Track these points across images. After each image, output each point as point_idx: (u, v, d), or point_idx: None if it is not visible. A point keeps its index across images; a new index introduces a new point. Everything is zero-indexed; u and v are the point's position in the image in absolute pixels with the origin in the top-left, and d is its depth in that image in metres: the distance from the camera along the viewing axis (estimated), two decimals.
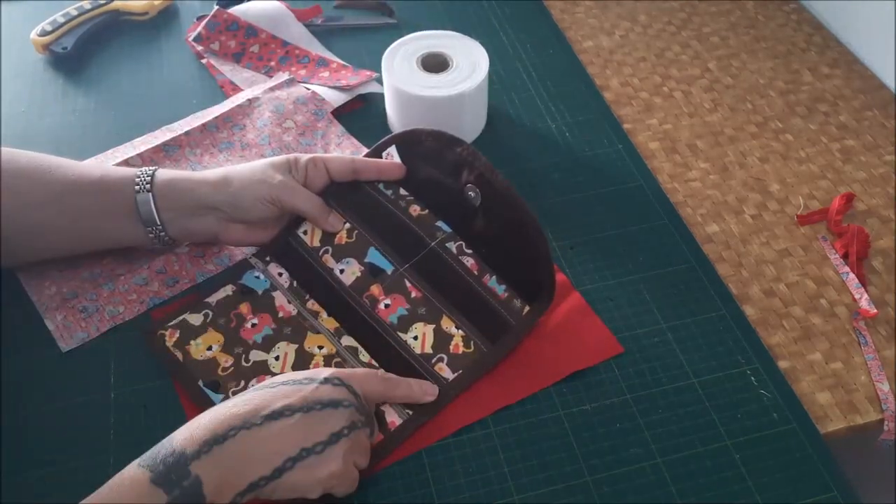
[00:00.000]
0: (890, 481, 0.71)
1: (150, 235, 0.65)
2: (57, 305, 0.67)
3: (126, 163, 0.75)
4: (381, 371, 0.60)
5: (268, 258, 0.68)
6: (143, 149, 0.77)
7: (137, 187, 0.64)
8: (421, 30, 0.83)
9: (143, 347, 0.65)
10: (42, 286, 0.68)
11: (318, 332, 0.64)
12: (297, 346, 0.63)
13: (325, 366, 0.62)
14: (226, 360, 0.62)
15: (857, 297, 0.69)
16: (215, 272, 0.70)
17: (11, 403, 0.61)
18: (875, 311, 0.67)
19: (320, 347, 0.63)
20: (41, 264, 0.69)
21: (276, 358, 0.63)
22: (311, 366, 0.62)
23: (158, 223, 0.64)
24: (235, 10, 0.92)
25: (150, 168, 0.65)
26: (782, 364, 0.64)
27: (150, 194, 0.63)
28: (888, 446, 0.62)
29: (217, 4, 0.93)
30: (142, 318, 0.67)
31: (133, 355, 0.64)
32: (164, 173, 0.65)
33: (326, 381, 0.53)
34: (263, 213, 0.66)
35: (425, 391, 0.60)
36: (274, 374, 0.61)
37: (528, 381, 0.62)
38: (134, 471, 0.48)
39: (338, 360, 0.62)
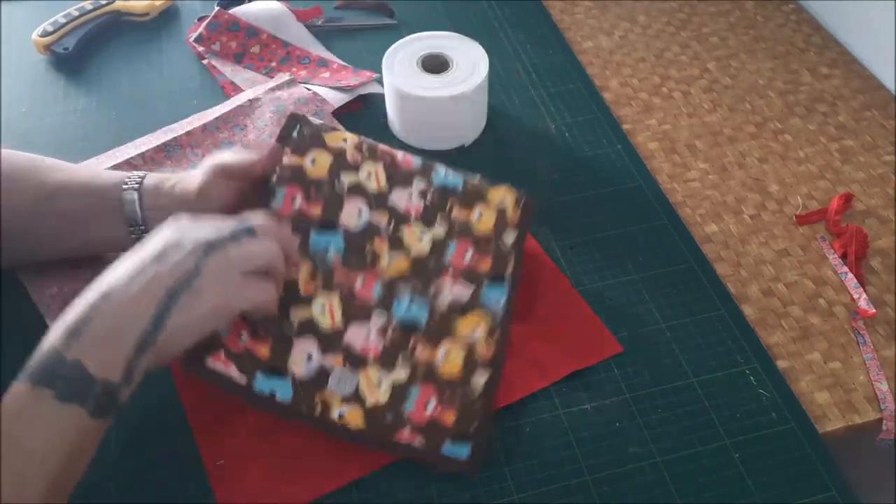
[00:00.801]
0: (888, 481, 0.71)
1: (133, 237, 0.63)
2: (58, 305, 0.67)
3: (128, 162, 0.76)
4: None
5: None
6: (144, 149, 0.77)
7: (126, 186, 0.63)
8: (421, 30, 0.83)
9: None
10: (43, 286, 0.68)
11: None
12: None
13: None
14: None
15: (855, 296, 0.69)
16: None
17: None
18: (874, 310, 0.67)
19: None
20: (42, 264, 0.69)
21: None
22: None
23: (140, 222, 0.63)
24: (236, 10, 0.92)
25: (142, 172, 0.65)
26: (781, 364, 0.64)
27: (137, 192, 0.63)
28: (887, 446, 0.62)
29: (218, 5, 0.93)
30: None
31: None
32: (154, 176, 0.64)
33: (170, 228, 0.52)
34: (220, 191, 0.62)
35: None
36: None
37: (527, 381, 0.62)
38: (14, 386, 0.47)
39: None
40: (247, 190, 0.64)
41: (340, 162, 0.66)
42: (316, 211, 0.64)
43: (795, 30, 0.96)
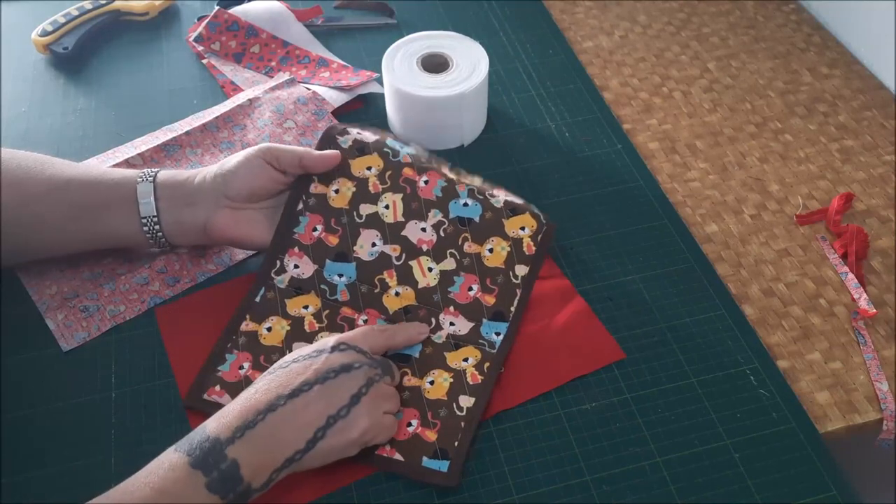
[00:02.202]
0: (889, 481, 0.71)
1: (145, 229, 0.64)
2: (58, 305, 0.67)
3: (127, 162, 0.76)
4: (377, 325, 0.63)
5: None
6: (143, 148, 0.77)
7: (140, 179, 0.65)
8: (421, 30, 0.83)
9: (144, 347, 0.65)
10: (43, 286, 0.68)
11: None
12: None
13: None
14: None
15: (856, 296, 0.69)
16: (216, 272, 0.70)
17: (12, 403, 0.62)
18: (874, 310, 0.67)
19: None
20: (42, 264, 0.69)
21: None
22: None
23: (154, 213, 0.64)
24: (236, 10, 0.92)
25: (155, 168, 0.66)
26: (781, 364, 0.64)
27: (152, 185, 0.64)
28: (887, 446, 0.62)
29: (218, 5, 0.93)
30: (142, 318, 0.67)
31: (134, 355, 0.65)
32: (167, 171, 0.66)
33: (333, 349, 0.55)
34: (255, 171, 0.64)
35: (419, 331, 0.63)
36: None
37: (529, 386, 0.62)
38: (171, 455, 0.50)
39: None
40: (286, 181, 0.66)
41: (362, 192, 0.68)
42: (333, 240, 0.67)
43: (796, 30, 0.96)
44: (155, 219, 0.64)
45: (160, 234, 0.65)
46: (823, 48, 0.94)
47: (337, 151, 0.67)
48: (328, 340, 0.56)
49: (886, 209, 0.76)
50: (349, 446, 0.54)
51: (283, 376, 0.54)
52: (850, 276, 0.70)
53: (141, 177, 0.65)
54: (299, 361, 0.55)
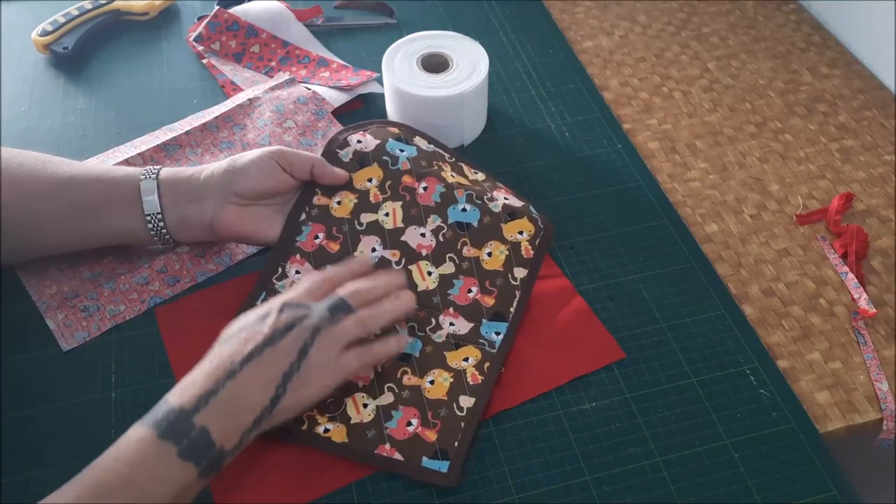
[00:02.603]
0: (889, 481, 0.71)
1: (149, 226, 0.65)
2: (58, 305, 0.67)
3: (126, 162, 0.75)
4: (321, 272, 0.63)
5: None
6: (143, 148, 0.77)
7: (143, 176, 0.65)
8: (421, 30, 0.83)
9: (144, 347, 0.65)
10: (43, 285, 0.68)
11: None
12: None
13: None
14: None
15: (856, 296, 0.69)
16: (216, 271, 0.70)
17: (12, 403, 0.62)
18: (874, 310, 0.67)
19: None
20: (42, 263, 0.69)
21: None
22: None
23: (159, 209, 0.64)
24: (236, 10, 0.92)
25: (157, 167, 0.67)
26: (781, 363, 0.64)
27: (156, 182, 0.65)
28: (887, 446, 0.62)
29: (218, 4, 0.93)
30: (142, 318, 0.67)
31: (134, 355, 0.65)
32: (171, 168, 0.67)
33: (279, 311, 0.56)
34: (265, 172, 0.65)
35: (362, 263, 0.64)
36: None
37: (529, 386, 0.62)
38: (138, 430, 0.51)
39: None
40: (294, 185, 0.67)
41: (363, 203, 0.68)
42: (335, 247, 0.67)
43: (795, 30, 0.96)
44: (159, 216, 0.65)
45: (164, 230, 0.65)
46: (823, 48, 0.94)
47: (345, 173, 0.68)
48: (273, 303, 0.57)
49: (886, 209, 0.76)
50: (315, 394, 0.56)
51: (236, 344, 0.55)
52: (850, 275, 0.70)
53: (144, 174, 0.65)
54: (246, 329, 0.56)
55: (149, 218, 0.65)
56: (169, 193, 0.65)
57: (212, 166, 0.66)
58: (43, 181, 0.64)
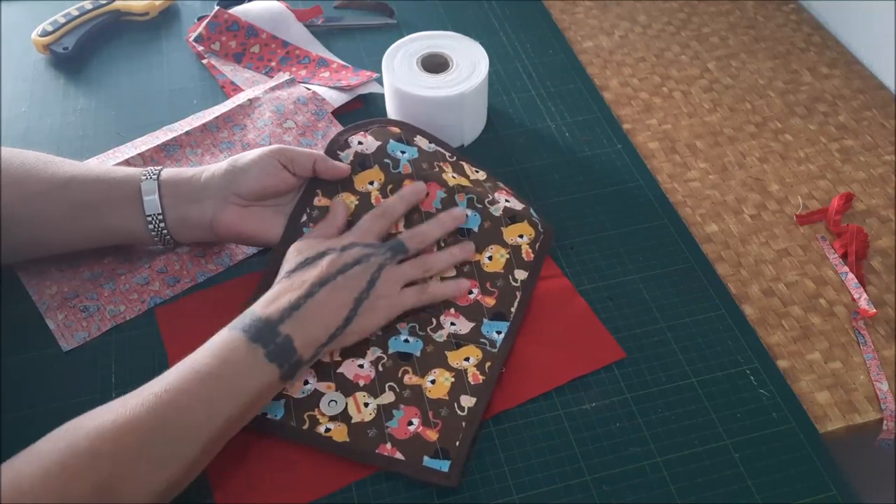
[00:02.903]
0: (889, 481, 0.71)
1: (150, 226, 0.65)
2: (58, 305, 0.67)
3: (127, 162, 0.76)
4: (375, 210, 0.67)
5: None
6: (143, 148, 0.77)
7: (144, 177, 0.65)
8: (421, 30, 0.83)
9: (144, 347, 0.65)
10: (43, 286, 0.68)
11: None
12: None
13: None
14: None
15: (856, 296, 0.69)
16: (216, 272, 0.70)
17: (12, 403, 0.62)
18: (874, 310, 0.67)
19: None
20: (42, 263, 0.69)
21: None
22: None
23: (160, 210, 0.65)
24: (236, 10, 0.92)
25: (158, 167, 0.67)
26: (781, 363, 0.64)
27: (156, 182, 0.65)
28: (887, 446, 0.62)
29: (218, 5, 0.93)
30: (142, 318, 0.67)
31: (134, 355, 0.65)
32: (171, 169, 0.67)
33: (344, 248, 0.63)
34: (266, 171, 0.65)
35: (417, 190, 0.68)
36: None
37: (529, 387, 0.62)
38: (227, 334, 0.56)
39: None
40: (296, 183, 0.68)
41: (364, 205, 0.68)
42: None
43: (795, 30, 0.96)
44: (160, 216, 0.65)
45: (165, 231, 0.65)
46: (823, 48, 0.94)
47: (347, 166, 0.68)
48: (341, 240, 0.64)
49: (886, 209, 0.76)
50: (379, 319, 0.62)
51: (311, 270, 0.61)
52: (850, 276, 0.70)
53: (145, 174, 0.65)
54: (322, 257, 0.62)
55: (149, 218, 0.65)
56: (170, 194, 0.65)
57: (213, 167, 0.66)
58: (43, 181, 0.64)
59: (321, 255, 0.62)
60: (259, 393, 0.55)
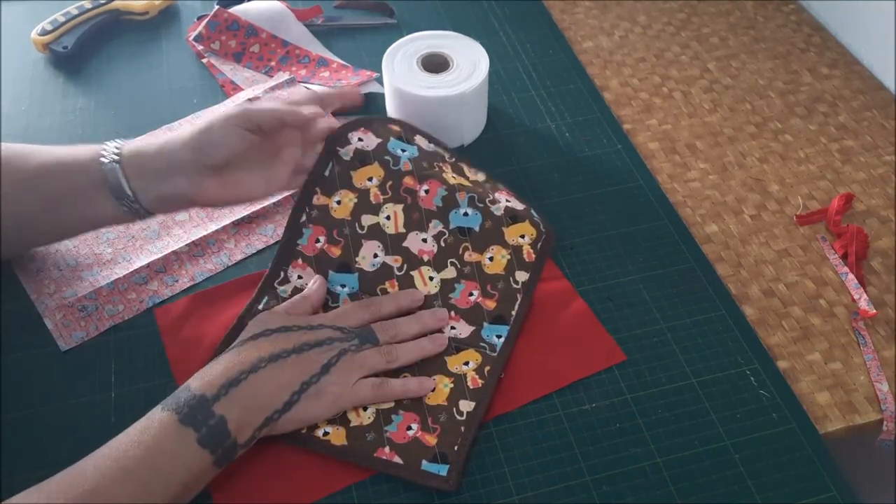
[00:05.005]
0: (889, 481, 0.71)
1: (123, 208, 0.62)
2: (56, 304, 0.67)
3: None
4: (363, 300, 0.65)
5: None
6: None
7: (103, 159, 0.61)
8: (421, 30, 0.83)
9: (143, 347, 0.65)
10: (41, 285, 0.68)
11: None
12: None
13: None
14: None
15: (856, 297, 0.69)
16: (215, 272, 0.70)
17: (11, 403, 0.61)
18: (874, 311, 0.67)
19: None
20: (40, 263, 0.69)
21: None
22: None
23: (129, 193, 0.61)
24: (236, 9, 0.92)
25: (117, 141, 0.63)
26: (781, 364, 0.64)
27: (118, 164, 0.61)
28: (887, 446, 0.62)
29: (218, 4, 0.93)
30: (142, 318, 0.67)
31: (133, 354, 0.64)
32: (132, 143, 0.63)
33: (311, 328, 0.60)
34: (234, 140, 0.62)
35: (413, 298, 0.65)
36: None
37: (529, 389, 0.62)
38: (160, 414, 0.52)
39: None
40: (271, 143, 0.65)
41: (363, 203, 0.68)
42: (336, 252, 0.67)
43: (795, 30, 0.96)
44: (132, 198, 0.62)
45: (141, 209, 0.63)
46: (823, 48, 0.94)
47: (357, 89, 0.67)
48: (312, 318, 0.61)
49: (886, 209, 0.76)
50: (324, 409, 0.58)
51: (265, 343, 0.57)
52: (850, 276, 0.70)
53: (104, 155, 0.61)
54: (284, 332, 0.58)
55: (122, 201, 0.62)
56: (137, 175, 0.61)
57: (177, 137, 0.62)
58: (8, 183, 0.61)
59: (284, 330, 0.59)
60: (189, 482, 0.51)
